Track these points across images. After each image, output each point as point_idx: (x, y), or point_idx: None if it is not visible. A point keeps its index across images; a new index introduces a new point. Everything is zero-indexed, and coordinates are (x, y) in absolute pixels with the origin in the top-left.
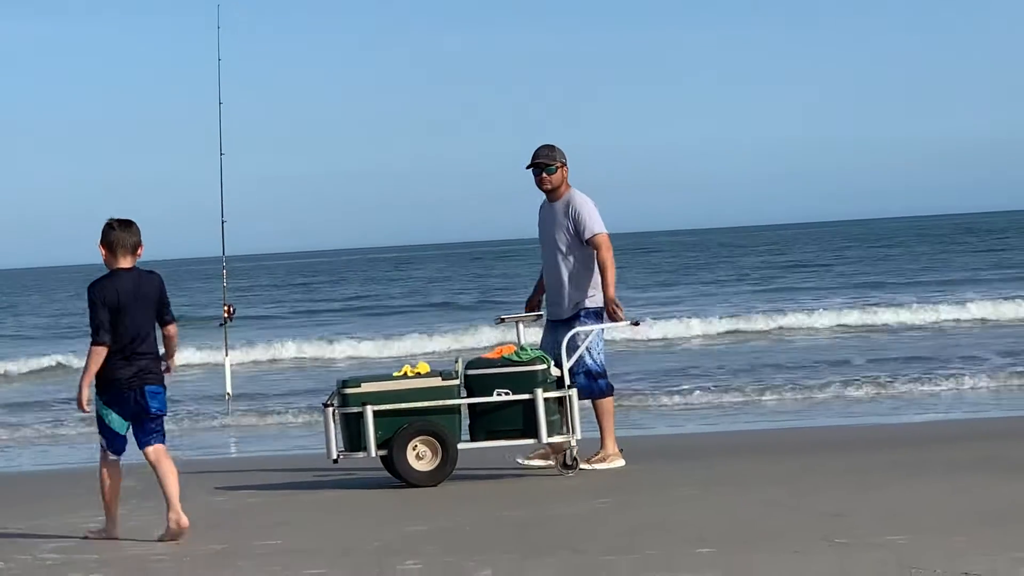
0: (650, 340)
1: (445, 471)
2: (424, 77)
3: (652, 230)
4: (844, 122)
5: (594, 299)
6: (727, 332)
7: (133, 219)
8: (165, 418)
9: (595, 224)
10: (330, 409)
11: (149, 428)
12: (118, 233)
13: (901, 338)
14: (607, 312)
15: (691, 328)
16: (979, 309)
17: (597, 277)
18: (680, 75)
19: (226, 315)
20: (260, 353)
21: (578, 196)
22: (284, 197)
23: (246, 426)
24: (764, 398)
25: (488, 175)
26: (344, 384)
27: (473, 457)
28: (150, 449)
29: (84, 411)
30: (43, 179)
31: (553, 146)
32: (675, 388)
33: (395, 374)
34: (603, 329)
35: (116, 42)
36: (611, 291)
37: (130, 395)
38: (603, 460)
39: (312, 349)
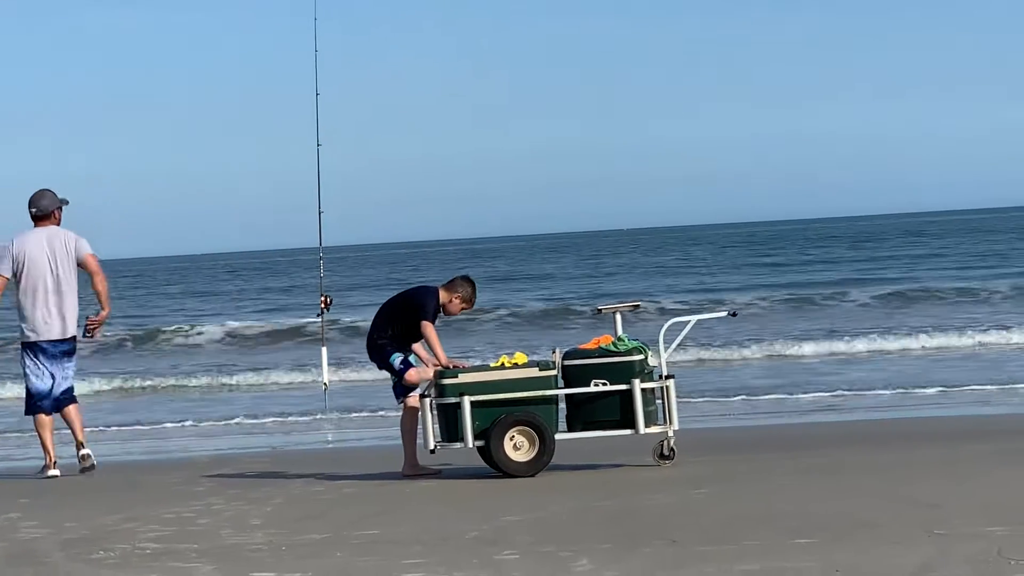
0: None
1: (542, 461)
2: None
3: None
4: None
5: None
6: None
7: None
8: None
9: None
10: (427, 399)
11: None
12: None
13: None
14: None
15: None
16: None
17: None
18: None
19: (323, 306)
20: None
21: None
22: (383, 186)
23: (343, 416)
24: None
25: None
26: (441, 375)
27: (570, 448)
28: None
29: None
30: (141, 168)
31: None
32: None
33: (492, 364)
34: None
35: (218, 31)
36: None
37: None
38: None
39: None
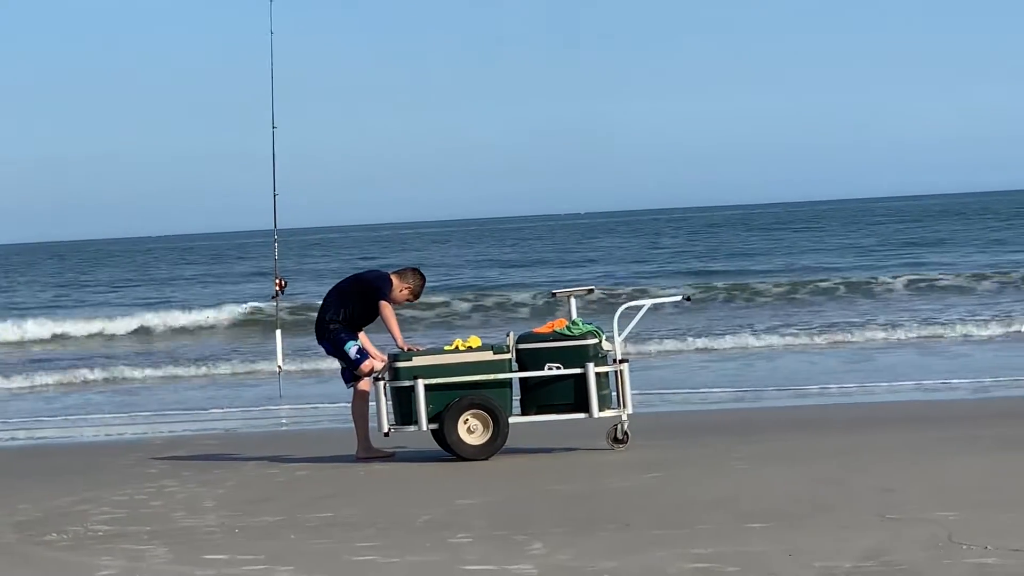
0: None
1: (496, 445)
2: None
3: None
4: None
5: None
6: None
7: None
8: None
9: None
10: (381, 383)
11: None
12: None
13: None
14: None
15: None
16: None
17: None
18: None
19: (278, 288)
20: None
21: None
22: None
23: (297, 399)
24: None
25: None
26: (395, 358)
27: (524, 431)
28: None
29: None
30: (98, 150)
31: None
32: None
33: (446, 347)
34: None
35: (171, 13)
36: None
37: None
38: None
39: None
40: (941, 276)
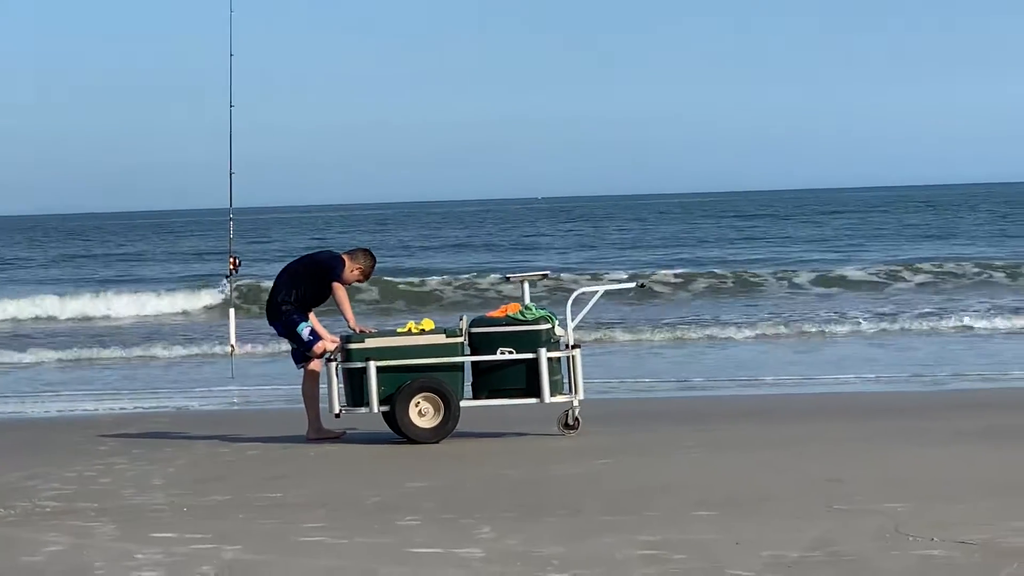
0: None
1: (447, 428)
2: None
3: None
4: None
5: None
6: None
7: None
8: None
9: None
10: (333, 364)
11: None
12: None
13: None
14: None
15: None
16: None
17: None
18: None
19: (232, 267)
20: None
21: None
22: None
23: (249, 379)
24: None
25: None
26: (347, 339)
27: (475, 415)
28: None
29: None
30: (68, 129)
31: None
32: None
33: (399, 330)
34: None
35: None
36: None
37: None
38: None
39: None
40: (898, 268)
